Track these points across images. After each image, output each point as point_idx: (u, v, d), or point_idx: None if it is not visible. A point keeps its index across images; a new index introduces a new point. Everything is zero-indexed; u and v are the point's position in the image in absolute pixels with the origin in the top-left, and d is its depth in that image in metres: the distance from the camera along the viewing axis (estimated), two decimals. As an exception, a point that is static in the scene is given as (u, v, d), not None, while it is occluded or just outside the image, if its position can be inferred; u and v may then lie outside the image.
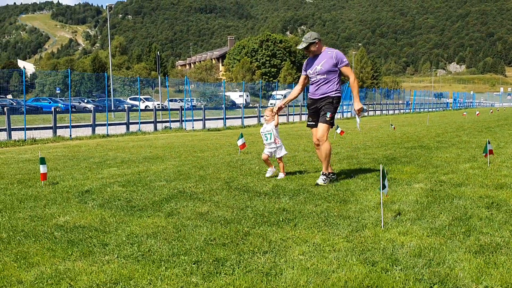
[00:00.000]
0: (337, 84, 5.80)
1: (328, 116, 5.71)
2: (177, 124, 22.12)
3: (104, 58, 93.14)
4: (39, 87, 74.44)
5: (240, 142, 8.95)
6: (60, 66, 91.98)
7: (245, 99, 44.84)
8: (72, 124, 17.24)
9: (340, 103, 6.68)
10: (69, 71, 18.85)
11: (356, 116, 6.01)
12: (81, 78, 64.37)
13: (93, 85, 65.65)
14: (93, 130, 17.68)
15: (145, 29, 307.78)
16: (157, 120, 21.25)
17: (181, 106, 23.98)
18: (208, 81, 69.54)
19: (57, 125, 16.92)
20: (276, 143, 6.28)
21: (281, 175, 6.30)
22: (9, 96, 54.54)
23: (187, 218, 4.20)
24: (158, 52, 27.15)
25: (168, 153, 10.15)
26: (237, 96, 48.76)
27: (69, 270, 2.98)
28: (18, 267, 3.06)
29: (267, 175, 6.34)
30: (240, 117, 25.37)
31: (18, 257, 3.25)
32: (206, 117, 22.97)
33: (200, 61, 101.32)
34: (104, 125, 18.54)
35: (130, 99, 47.49)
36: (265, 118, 6.38)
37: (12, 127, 15.47)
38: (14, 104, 32.93)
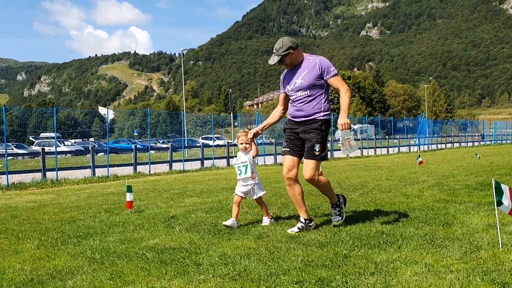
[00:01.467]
0: (325, 102, 4.41)
1: (316, 150, 4.32)
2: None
3: (177, 101, 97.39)
4: (118, 131, 78.68)
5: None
6: (137, 111, 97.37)
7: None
8: (151, 161, 17.83)
9: (331, 128, 5.23)
10: (148, 110, 19.71)
11: (340, 137, 4.38)
12: (156, 121, 67.43)
13: (167, 127, 68.38)
14: (170, 166, 18.15)
15: (214, 74, 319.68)
16: (230, 155, 21.49)
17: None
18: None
19: (137, 162, 17.54)
20: (253, 179, 4.83)
21: (266, 220, 4.87)
22: (91, 139, 58.00)
23: (278, 241, 3.98)
24: (230, 90, 27.81)
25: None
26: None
27: (165, 288, 2.84)
28: (114, 285, 2.97)
29: (227, 223, 4.69)
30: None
31: (113, 275, 3.17)
32: (277, 152, 22.93)
33: (268, 101, 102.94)
34: (180, 161, 19.00)
35: (202, 138, 48.77)
36: (240, 145, 4.85)
37: (96, 165, 16.21)
38: (96, 146, 34.81)
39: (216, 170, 18.27)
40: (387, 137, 35.50)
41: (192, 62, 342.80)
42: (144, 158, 21.51)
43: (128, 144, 42.19)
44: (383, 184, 8.47)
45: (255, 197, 4.85)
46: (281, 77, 4.74)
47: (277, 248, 3.71)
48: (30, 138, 42.94)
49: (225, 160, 21.18)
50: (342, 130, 4.26)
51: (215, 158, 20.85)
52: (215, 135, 48.03)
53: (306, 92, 4.39)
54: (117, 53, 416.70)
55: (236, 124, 39.22)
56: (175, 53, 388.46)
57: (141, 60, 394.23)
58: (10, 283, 3.13)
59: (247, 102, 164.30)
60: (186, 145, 30.50)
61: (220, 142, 40.84)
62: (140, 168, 17.60)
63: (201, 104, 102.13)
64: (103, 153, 27.09)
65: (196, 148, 27.07)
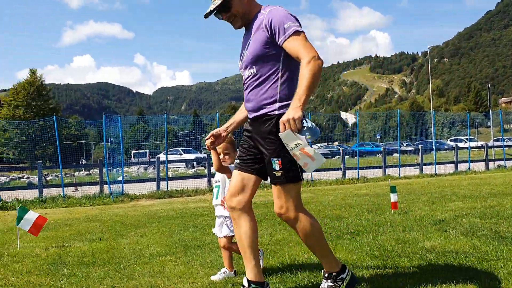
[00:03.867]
0: (283, 85, 2.67)
1: (275, 168, 2.63)
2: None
3: (421, 102, 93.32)
4: (360, 134, 80.00)
5: None
6: (378, 115, 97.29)
7: None
8: (400, 164, 17.52)
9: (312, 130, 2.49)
10: (398, 111, 19.41)
11: (285, 144, 2.45)
12: (399, 123, 66.04)
13: (411, 129, 66.23)
14: (421, 169, 17.46)
15: (462, 70, 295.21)
16: (489, 158, 19.41)
17: None
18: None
19: (387, 165, 17.46)
20: (224, 208, 3.34)
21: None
22: (336, 143, 60.47)
23: None
24: (489, 85, 25.20)
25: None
26: None
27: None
28: (405, 282, 2.95)
29: (214, 277, 3.34)
30: None
31: (399, 273, 3.16)
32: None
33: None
34: (430, 164, 18.09)
35: (451, 140, 45.51)
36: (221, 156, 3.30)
37: (346, 167, 16.77)
38: (342, 149, 35.99)
39: (473, 174, 16.75)
40: None
41: (436, 60, 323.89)
42: (388, 161, 21.25)
43: (372, 147, 42.41)
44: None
45: (220, 235, 3.41)
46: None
47: None
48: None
49: (483, 163, 19.26)
50: (284, 130, 2.39)
51: (471, 161, 19.15)
52: (466, 137, 44.20)
53: (252, 70, 2.74)
54: (358, 58, 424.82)
55: (488, 124, 35.22)
56: (417, 52, 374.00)
57: (382, 62, 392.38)
58: (302, 269, 3.42)
59: (503, 99, 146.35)
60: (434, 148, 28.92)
61: (473, 144, 37.40)
62: (388, 170, 17.47)
63: (448, 103, 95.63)
64: (348, 156, 27.89)
65: (445, 151, 25.39)
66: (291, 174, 2.61)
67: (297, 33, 2.56)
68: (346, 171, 16.62)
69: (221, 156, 3.26)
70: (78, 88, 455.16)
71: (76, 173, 25.62)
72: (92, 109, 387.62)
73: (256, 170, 2.79)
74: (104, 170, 13.17)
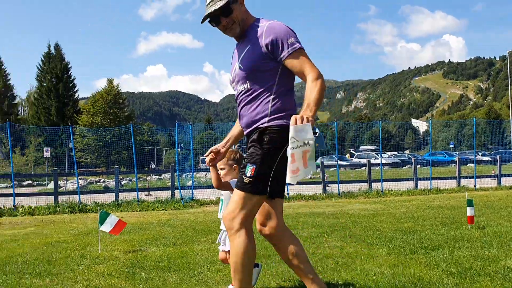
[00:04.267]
0: (275, 101, 2.59)
1: (247, 174, 2.54)
2: None
3: (498, 110, 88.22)
4: (432, 143, 76.93)
5: None
6: (452, 123, 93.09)
7: None
8: (476, 175, 16.67)
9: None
10: (474, 120, 18.52)
11: (290, 141, 2.28)
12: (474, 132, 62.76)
13: (487, 138, 62.76)
14: (499, 181, 16.50)
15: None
16: None
17: None
18: None
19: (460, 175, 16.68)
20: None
21: None
22: (406, 152, 58.54)
23: None
24: None
25: None
26: None
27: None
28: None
29: None
30: None
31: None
32: None
33: None
34: (510, 175, 17.06)
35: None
36: (221, 171, 3.22)
37: (418, 177, 16.19)
38: (414, 158, 34.80)
39: (559, 187, 15.58)
40: None
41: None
42: (462, 171, 20.25)
43: (445, 156, 40.62)
44: None
45: (225, 248, 3.26)
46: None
47: None
48: (351, 151, 46.39)
49: None
50: (295, 124, 2.25)
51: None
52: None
53: (245, 85, 2.65)
54: (430, 64, 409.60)
55: None
56: (494, 57, 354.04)
57: (456, 68, 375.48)
58: (375, 284, 3.36)
59: None
60: (514, 158, 27.21)
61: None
62: (463, 181, 16.66)
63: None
64: (419, 166, 26.92)
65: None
66: (260, 186, 2.50)
67: (301, 50, 2.52)
68: (418, 181, 16.05)
69: (220, 172, 3.17)
70: (151, 96, 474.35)
71: (148, 178, 26.66)
72: (163, 116, 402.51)
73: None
74: (176, 175, 13.63)
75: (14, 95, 55.52)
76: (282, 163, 2.47)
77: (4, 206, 11.69)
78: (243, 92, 2.65)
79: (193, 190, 13.47)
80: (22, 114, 58.37)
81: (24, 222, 9.34)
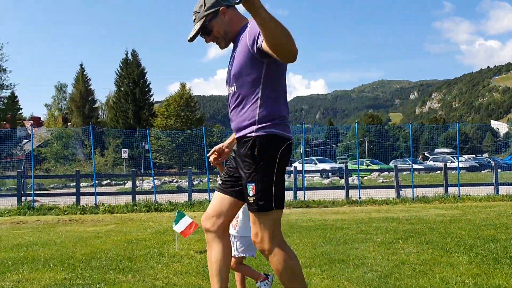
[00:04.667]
0: (262, 106, 2.46)
1: (250, 194, 2.44)
2: None
3: None
4: (514, 146, 72.34)
5: None
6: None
7: None
8: None
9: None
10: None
11: None
12: None
13: None
14: None
15: None
16: None
17: None
18: None
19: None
20: (234, 228, 3.08)
21: None
22: (485, 155, 55.44)
23: None
24: None
25: None
26: None
27: None
28: None
29: None
30: None
31: None
32: None
33: None
34: None
35: None
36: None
37: (498, 182, 15.28)
38: (494, 162, 32.93)
39: None
40: None
41: None
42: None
43: (530, 160, 37.91)
44: None
45: (241, 253, 3.14)
46: None
47: None
48: (425, 154, 44.68)
49: None
50: None
51: None
52: None
53: (233, 88, 2.58)
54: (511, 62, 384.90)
55: None
56: None
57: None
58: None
59: None
60: None
61: None
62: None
63: None
64: (500, 170, 25.38)
65: None
66: (262, 203, 2.41)
67: None
68: (499, 186, 15.14)
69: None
70: (220, 99, 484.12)
71: (218, 179, 27.25)
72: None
73: (235, 193, 2.65)
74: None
75: (95, 99, 58.95)
76: (279, 174, 2.44)
77: (86, 204, 12.45)
78: (231, 95, 2.60)
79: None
80: (102, 117, 61.76)
81: (105, 219, 9.89)
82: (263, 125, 2.43)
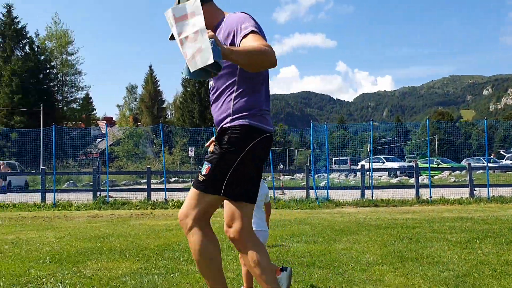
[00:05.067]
0: (237, 98, 2.43)
1: (202, 172, 2.42)
2: None
3: None
4: None
5: None
6: None
7: None
8: None
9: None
10: None
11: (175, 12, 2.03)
12: None
13: None
14: None
15: None
16: None
17: None
18: None
19: None
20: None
21: None
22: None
23: None
24: None
25: None
26: None
27: None
28: None
29: None
30: None
31: None
32: None
33: None
34: None
35: None
36: None
37: None
38: None
39: None
40: None
41: None
42: None
43: None
44: None
45: None
46: None
47: None
48: (500, 152, 42.25)
49: None
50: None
51: None
52: None
53: (211, 83, 2.58)
54: None
55: None
56: None
57: None
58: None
59: None
60: None
61: None
62: None
63: None
64: None
65: None
66: (213, 185, 2.39)
67: (255, 32, 2.33)
68: None
69: None
70: (283, 97, 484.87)
71: (281, 177, 27.28)
72: (294, 117, 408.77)
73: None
74: (310, 175, 13.73)
75: (163, 99, 61.09)
76: (242, 165, 2.38)
77: (156, 200, 12.92)
78: (210, 89, 2.61)
79: (328, 191, 13.44)
80: (169, 117, 63.87)
81: (174, 214, 10.21)
82: (237, 115, 2.42)
